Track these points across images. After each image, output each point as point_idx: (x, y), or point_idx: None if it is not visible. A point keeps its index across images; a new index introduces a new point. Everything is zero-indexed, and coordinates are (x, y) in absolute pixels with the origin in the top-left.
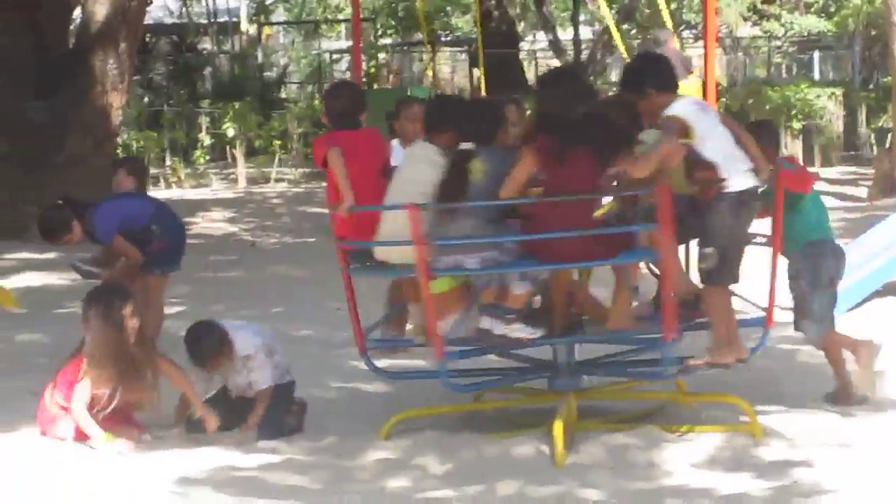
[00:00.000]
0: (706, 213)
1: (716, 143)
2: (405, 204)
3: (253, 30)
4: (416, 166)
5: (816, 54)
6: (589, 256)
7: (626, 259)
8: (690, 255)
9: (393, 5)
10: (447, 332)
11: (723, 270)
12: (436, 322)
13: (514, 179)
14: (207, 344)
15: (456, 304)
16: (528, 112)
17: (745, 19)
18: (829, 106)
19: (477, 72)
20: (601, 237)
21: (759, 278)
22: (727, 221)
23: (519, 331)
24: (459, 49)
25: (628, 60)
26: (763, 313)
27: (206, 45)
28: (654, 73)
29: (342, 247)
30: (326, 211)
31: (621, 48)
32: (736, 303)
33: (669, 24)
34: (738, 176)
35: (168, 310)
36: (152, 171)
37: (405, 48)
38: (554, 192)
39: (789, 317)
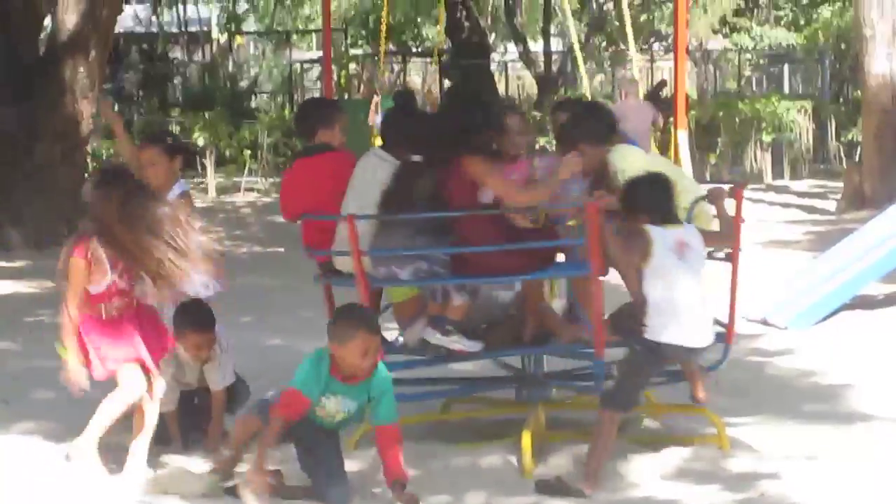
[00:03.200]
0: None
1: (656, 288)
2: (346, 215)
3: (224, 39)
4: (365, 175)
5: (786, 67)
6: (510, 270)
7: (553, 274)
8: None
9: (364, 16)
10: (405, 340)
11: (620, 397)
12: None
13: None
14: (203, 317)
15: (413, 313)
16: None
17: (716, 32)
18: (798, 119)
19: (447, 82)
20: (525, 251)
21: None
22: (638, 359)
23: (457, 342)
24: (430, 59)
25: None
26: (723, 329)
27: (177, 54)
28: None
29: (309, 255)
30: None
31: (581, 70)
32: None
33: (632, 45)
34: (669, 328)
35: None
36: None
37: (376, 58)
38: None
39: (756, 329)
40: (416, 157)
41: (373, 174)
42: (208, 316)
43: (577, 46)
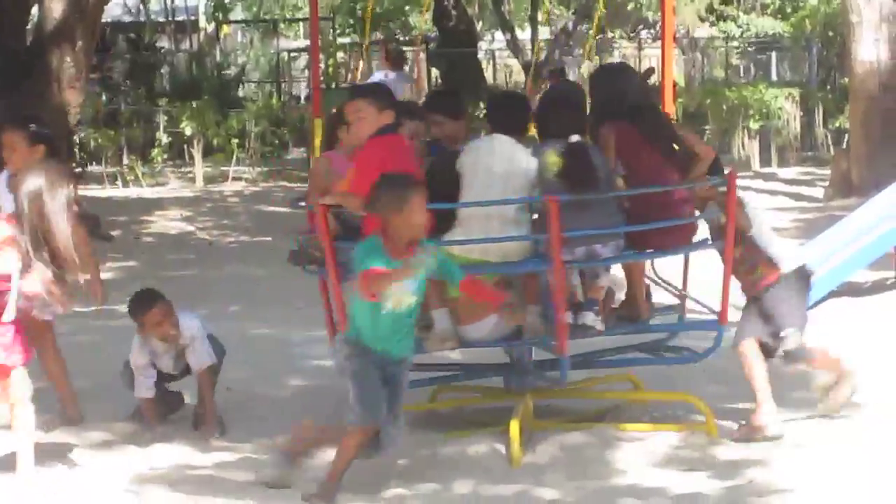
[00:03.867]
0: None
1: None
2: (547, 197)
3: (211, 28)
4: (496, 161)
5: (774, 55)
6: (671, 245)
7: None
8: None
9: (351, 4)
10: (488, 334)
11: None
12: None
13: None
14: (153, 303)
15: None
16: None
17: (703, 20)
18: (786, 106)
19: (435, 70)
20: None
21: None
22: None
23: (601, 323)
24: (416, 48)
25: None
26: (715, 316)
27: (164, 43)
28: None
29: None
30: (282, 210)
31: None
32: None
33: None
34: None
35: (124, 308)
36: (109, 169)
37: (363, 47)
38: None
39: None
40: (575, 137)
41: (510, 159)
42: (152, 294)
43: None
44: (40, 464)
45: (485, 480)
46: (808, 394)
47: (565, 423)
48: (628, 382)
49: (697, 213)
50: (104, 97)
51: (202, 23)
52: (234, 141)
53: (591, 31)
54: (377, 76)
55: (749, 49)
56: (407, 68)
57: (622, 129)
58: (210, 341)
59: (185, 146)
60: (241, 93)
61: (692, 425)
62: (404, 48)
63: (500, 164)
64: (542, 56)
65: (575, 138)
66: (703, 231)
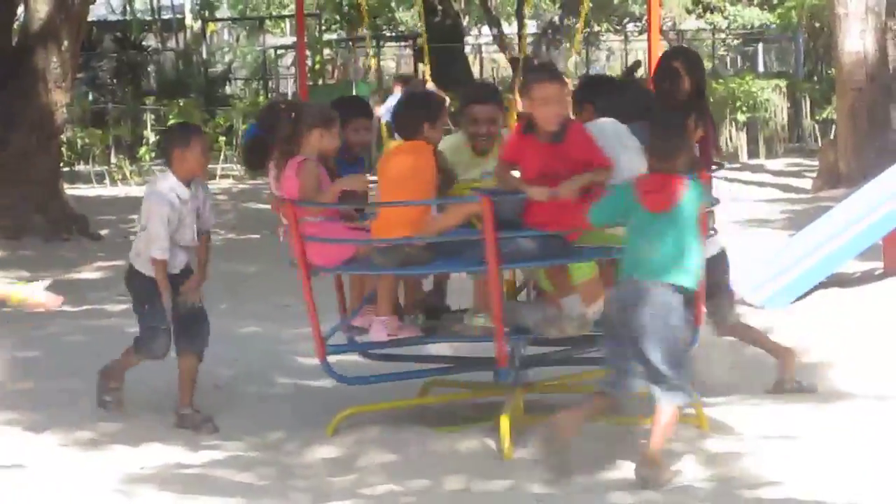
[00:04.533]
0: None
1: None
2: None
3: (197, 26)
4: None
5: (760, 47)
6: None
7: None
8: None
9: (338, 1)
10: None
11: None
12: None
13: None
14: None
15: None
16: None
17: (690, 12)
18: (773, 98)
19: (422, 66)
20: None
21: None
22: None
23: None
24: (404, 44)
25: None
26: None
27: (151, 41)
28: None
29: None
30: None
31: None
32: None
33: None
34: None
35: (113, 307)
36: (97, 168)
37: (350, 44)
38: None
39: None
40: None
41: (619, 143)
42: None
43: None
44: (30, 464)
45: (476, 476)
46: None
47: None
48: None
49: None
50: (91, 96)
51: (188, 21)
52: (222, 139)
53: (577, 25)
54: (392, 100)
55: (736, 41)
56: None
57: None
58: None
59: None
60: (228, 90)
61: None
62: (394, 44)
63: None
64: (529, 50)
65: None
66: None
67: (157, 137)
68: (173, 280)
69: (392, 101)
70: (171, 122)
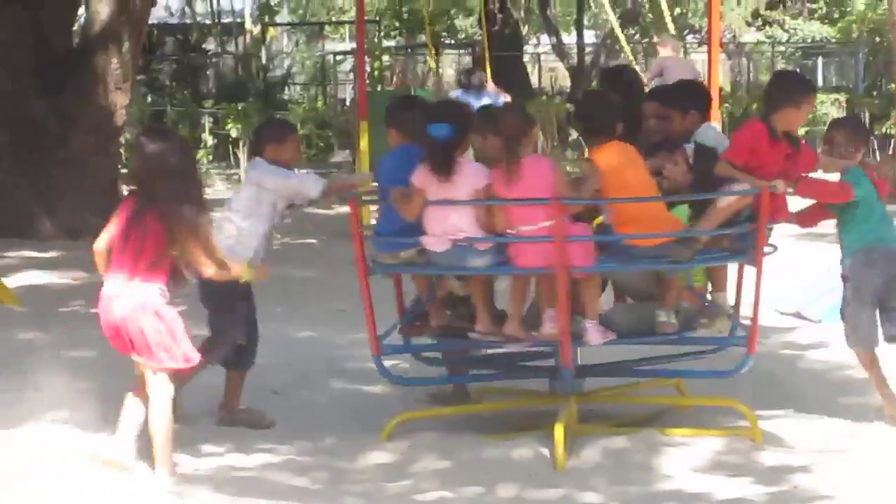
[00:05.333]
0: None
1: None
2: None
3: (257, 31)
4: None
5: (820, 60)
6: None
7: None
8: None
9: (397, 7)
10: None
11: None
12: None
13: None
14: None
15: None
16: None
17: (749, 24)
18: (832, 112)
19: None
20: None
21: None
22: None
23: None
24: (463, 51)
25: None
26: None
27: (210, 45)
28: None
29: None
30: (327, 212)
31: (626, 50)
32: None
33: (671, 27)
34: None
35: None
36: None
37: (409, 50)
38: None
39: (789, 322)
40: None
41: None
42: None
43: (617, 28)
44: (85, 465)
45: (528, 484)
46: (853, 399)
47: (609, 427)
48: (673, 387)
49: None
50: (150, 99)
51: (248, 25)
52: None
53: (637, 37)
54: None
55: (795, 54)
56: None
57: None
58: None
59: (231, 148)
60: (286, 95)
61: (737, 431)
62: (453, 51)
63: None
64: (588, 60)
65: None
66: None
67: (215, 140)
68: (244, 290)
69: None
70: (230, 125)
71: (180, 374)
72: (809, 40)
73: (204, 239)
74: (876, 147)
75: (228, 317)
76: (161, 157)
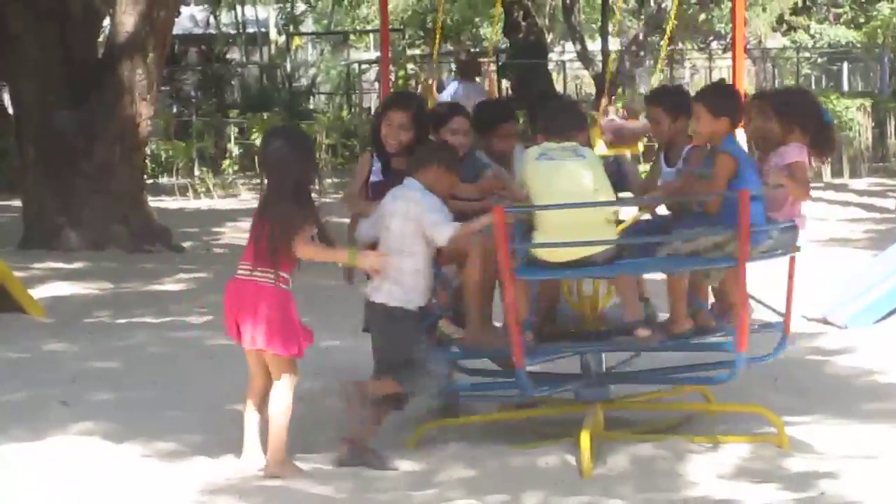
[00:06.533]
0: None
1: None
2: None
3: (282, 40)
4: None
5: (845, 65)
6: None
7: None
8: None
9: (421, 16)
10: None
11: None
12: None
13: None
14: None
15: None
16: None
17: (774, 30)
18: (857, 117)
19: (505, 81)
20: None
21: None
22: None
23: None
24: (487, 59)
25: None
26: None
27: (235, 55)
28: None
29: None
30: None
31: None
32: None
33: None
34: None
35: (195, 319)
36: (180, 181)
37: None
38: None
39: (815, 328)
40: None
41: None
42: None
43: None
44: (111, 474)
45: (555, 492)
46: (880, 405)
47: (636, 434)
48: (699, 394)
49: None
50: (175, 109)
51: (273, 35)
52: None
53: (662, 43)
54: (450, 88)
55: (820, 59)
56: (479, 79)
57: None
58: None
59: (256, 158)
60: (311, 105)
61: (763, 437)
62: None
63: None
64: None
65: None
66: None
67: (240, 150)
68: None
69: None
70: (255, 135)
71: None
72: (834, 45)
73: (291, 234)
74: None
75: (421, 349)
76: (264, 154)
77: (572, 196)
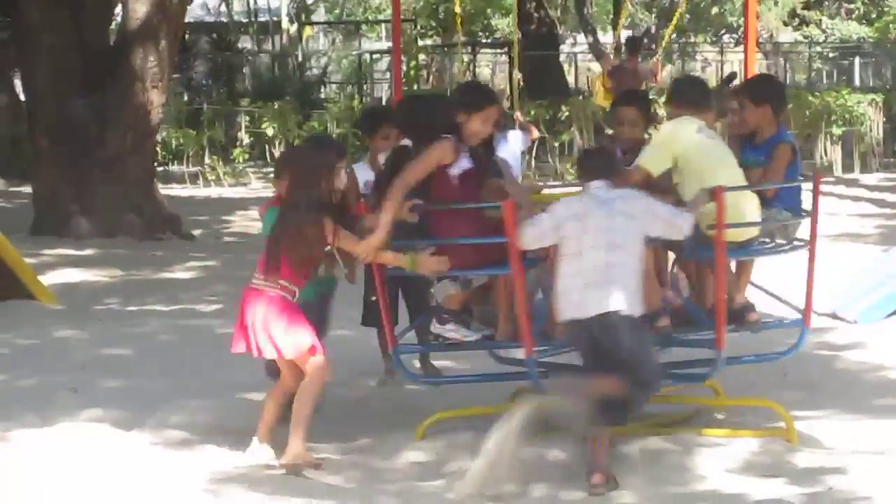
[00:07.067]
0: None
1: None
2: None
3: (293, 29)
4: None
5: (857, 60)
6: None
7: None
8: None
9: (434, 6)
10: None
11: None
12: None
13: None
14: None
15: None
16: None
17: (786, 24)
18: (869, 112)
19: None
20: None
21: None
22: None
23: (452, 331)
24: (500, 51)
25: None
26: (800, 315)
27: (247, 44)
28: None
29: None
30: None
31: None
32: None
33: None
34: None
35: (205, 308)
36: (191, 168)
37: (445, 49)
38: None
39: (825, 322)
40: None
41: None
42: None
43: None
44: (120, 462)
45: (564, 485)
46: (889, 400)
47: (645, 427)
48: (709, 388)
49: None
50: (186, 97)
51: (284, 24)
52: None
53: (666, 31)
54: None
55: (832, 54)
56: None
57: None
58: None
59: (267, 146)
60: (322, 94)
61: (772, 431)
62: (489, 50)
63: None
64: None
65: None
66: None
67: (251, 139)
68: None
69: None
70: (266, 124)
71: None
72: (846, 40)
73: (305, 240)
74: None
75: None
76: (284, 162)
77: (738, 171)
